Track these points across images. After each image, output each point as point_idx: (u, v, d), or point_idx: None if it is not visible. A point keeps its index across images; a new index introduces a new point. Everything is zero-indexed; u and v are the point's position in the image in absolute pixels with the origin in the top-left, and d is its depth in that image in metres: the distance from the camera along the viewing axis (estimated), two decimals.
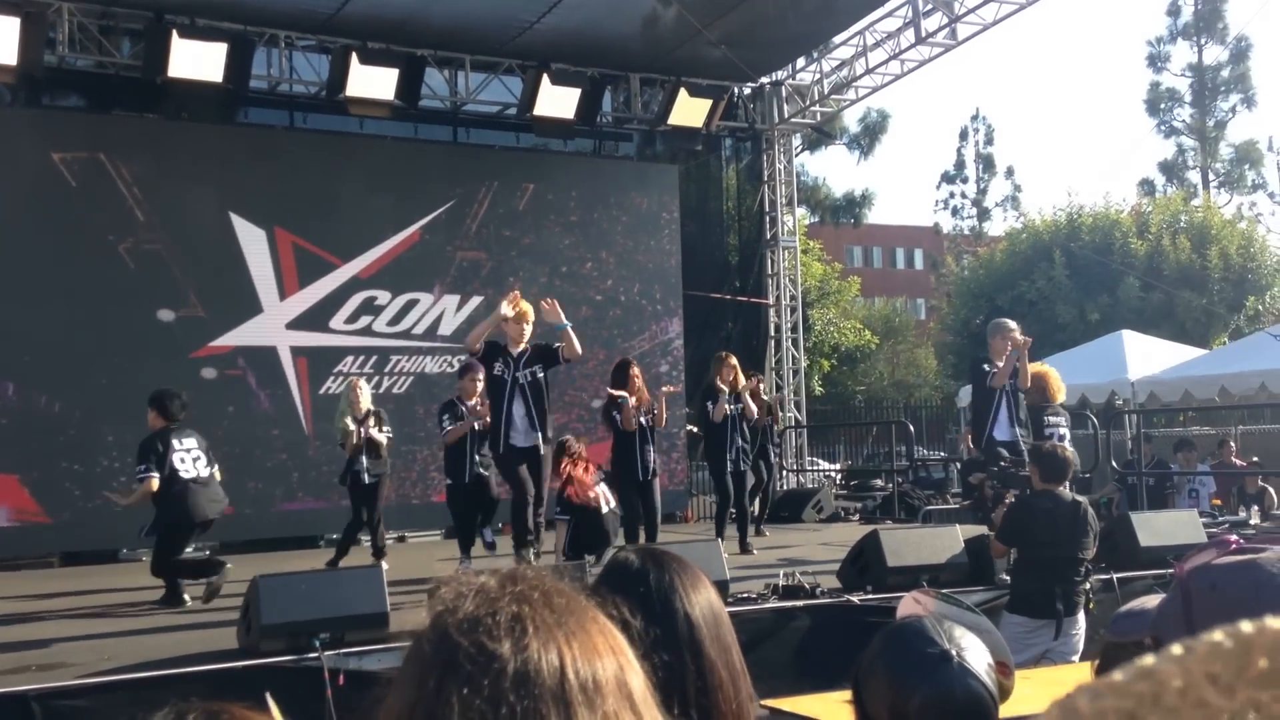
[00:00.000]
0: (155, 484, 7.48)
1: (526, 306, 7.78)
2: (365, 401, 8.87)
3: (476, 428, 8.30)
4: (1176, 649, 0.41)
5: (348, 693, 5.11)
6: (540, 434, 7.68)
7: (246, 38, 11.34)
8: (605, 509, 8.49)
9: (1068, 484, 6.02)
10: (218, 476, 7.97)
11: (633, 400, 8.64)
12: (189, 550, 8.31)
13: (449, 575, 0.88)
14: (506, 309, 7.61)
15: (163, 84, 11.01)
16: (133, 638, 6.32)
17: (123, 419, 10.22)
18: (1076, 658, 5.67)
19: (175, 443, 7.64)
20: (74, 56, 11.31)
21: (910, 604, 2.37)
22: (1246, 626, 0.40)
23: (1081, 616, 5.83)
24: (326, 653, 5.30)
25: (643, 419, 8.71)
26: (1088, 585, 5.90)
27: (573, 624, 0.84)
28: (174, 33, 10.70)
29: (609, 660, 0.84)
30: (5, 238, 10.52)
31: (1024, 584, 5.84)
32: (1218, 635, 0.40)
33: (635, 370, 9.04)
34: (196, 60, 10.86)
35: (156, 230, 11.18)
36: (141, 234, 11.14)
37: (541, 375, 7.75)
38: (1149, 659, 0.41)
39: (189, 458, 7.66)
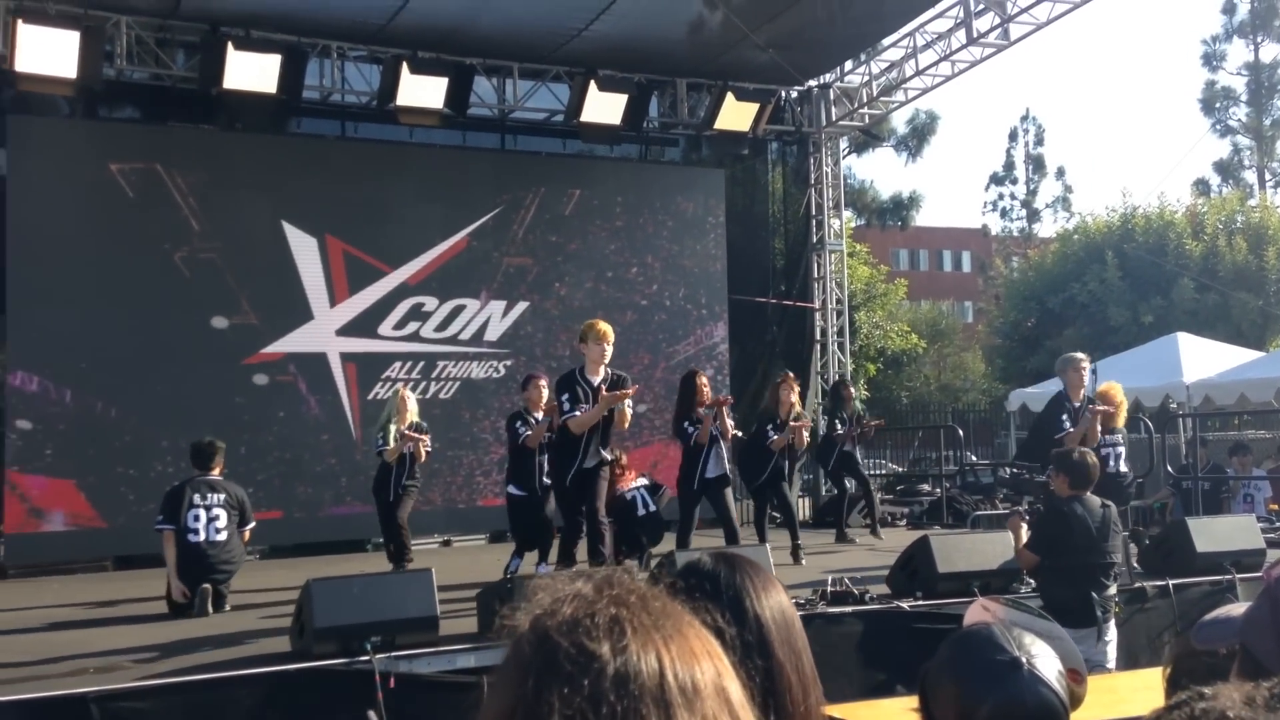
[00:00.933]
0: (170, 540, 7.53)
1: (606, 327, 7.73)
2: (413, 413, 8.78)
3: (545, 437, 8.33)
4: None
5: (399, 695, 5.16)
6: (604, 450, 7.67)
7: (300, 49, 11.50)
8: (641, 512, 8.50)
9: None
10: (243, 537, 7.89)
11: (705, 417, 8.51)
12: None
13: (543, 580, 0.89)
14: (628, 410, 7.50)
15: (218, 95, 11.19)
16: (188, 640, 6.43)
17: (177, 425, 10.41)
18: (1112, 665, 5.60)
19: (196, 497, 7.64)
20: (131, 69, 11.53)
21: (978, 611, 2.35)
22: None
23: (1113, 624, 5.76)
24: (378, 656, 5.36)
25: (713, 429, 8.66)
26: (1114, 591, 5.83)
27: (670, 628, 0.84)
28: (229, 45, 10.88)
29: (706, 664, 0.84)
30: (65, 247, 10.75)
31: (1058, 593, 5.67)
32: None
33: (703, 379, 8.96)
34: (251, 71, 11.03)
35: (211, 239, 11.37)
36: (196, 243, 11.34)
37: None
38: None
39: (205, 517, 7.60)
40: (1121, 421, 8.47)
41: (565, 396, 7.48)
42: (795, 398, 9.77)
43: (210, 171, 11.42)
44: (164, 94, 11.86)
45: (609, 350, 7.64)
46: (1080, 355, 8.31)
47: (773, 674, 1.36)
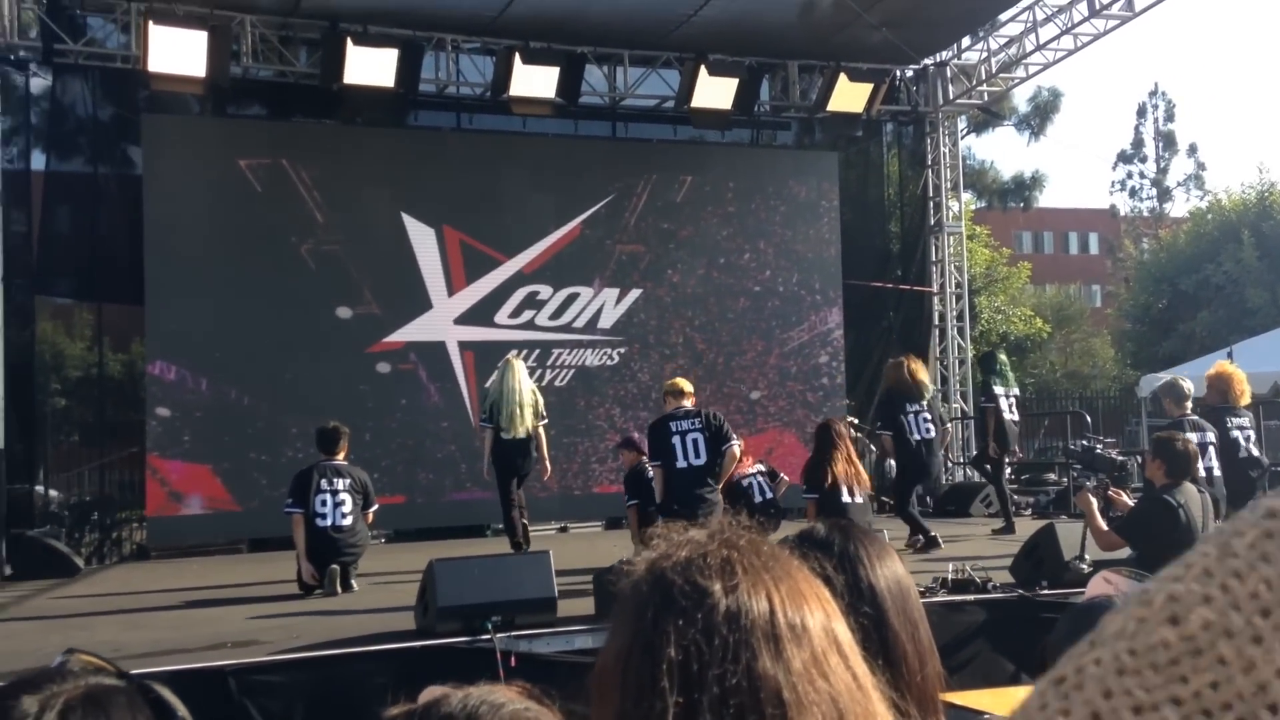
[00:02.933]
0: (299, 524, 7.76)
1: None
2: (524, 388, 8.60)
3: None
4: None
5: (520, 674, 5.23)
6: None
7: (416, 43, 11.74)
8: (758, 499, 8.43)
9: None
10: (367, 519, 8.09)
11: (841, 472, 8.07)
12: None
13: (659, 530, 0.93)
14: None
15: (338, 90, 11.50)
16: (318, 618, 6.65)
17: (305, 412, 10.75)
18: None
19: (323, 482, 7.85)
20: (256, 67, 11.93)
21: (1100, 583, 2.27)
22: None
23: None
24: (499, 635, 5.46)
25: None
26: None
27: (779, 570, 0.88)
28: (348, 40, 11.16)
29: (815, 606, 0.88)
30: (197, 241, 11.20)
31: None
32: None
33: (839, 428, 8.44)
34: (369, 66, 11.30)
35: (334, 231, 11.71)
36: (321, 235, 11.69)
37: None
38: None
39: (331, 501, 7.81)
40: (1246, 400, 8.07)
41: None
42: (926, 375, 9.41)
43: (332, 165, 11.76)
44: (287, 90, 12.25)
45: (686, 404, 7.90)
46: (1186, 386, 7.91)
47: (888, 643, 1.34)
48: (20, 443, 10.93)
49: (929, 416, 9.05)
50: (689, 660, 0.82)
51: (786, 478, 9.06)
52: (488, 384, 8.93)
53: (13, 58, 11.11)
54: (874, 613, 1.34)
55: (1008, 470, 10.65)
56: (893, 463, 9.78)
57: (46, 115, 11.52)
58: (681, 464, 7.53)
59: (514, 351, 9.08)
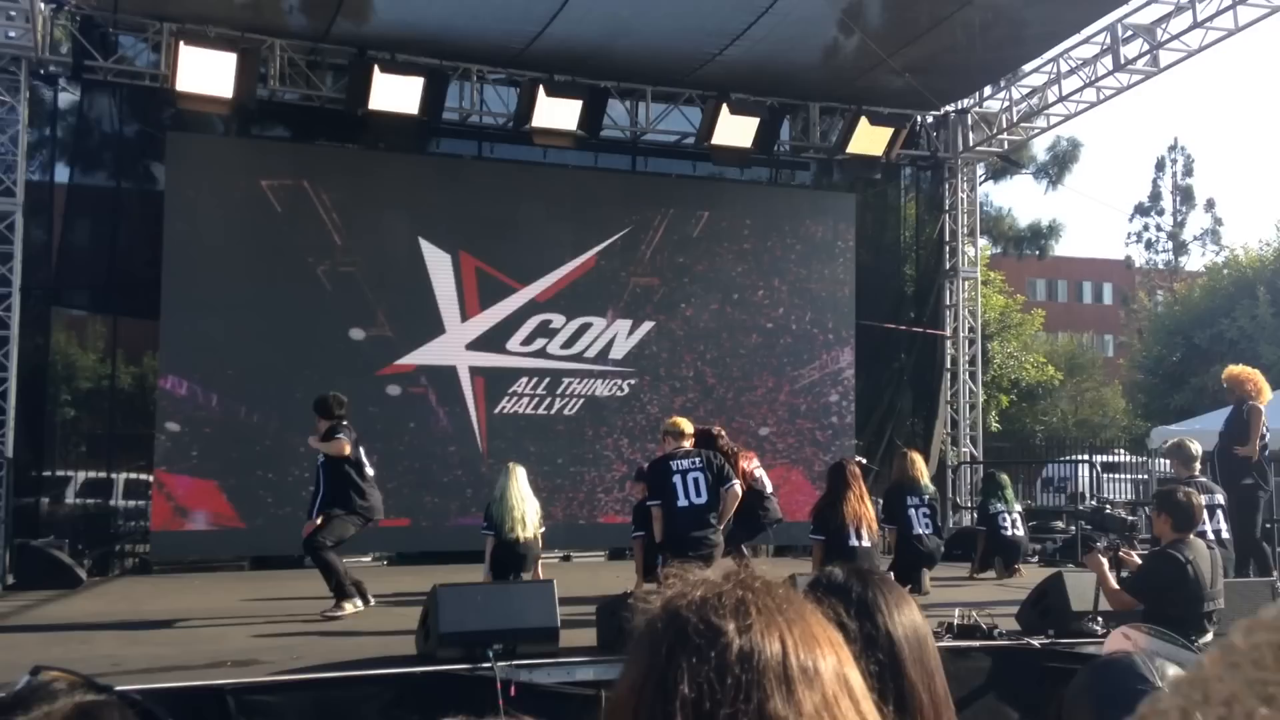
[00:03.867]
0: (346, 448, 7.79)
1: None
2: (524, 497, 8.39)
3: None
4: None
5: (520, 704, 5.21)
6: None
7: (442, 72, 11.85)
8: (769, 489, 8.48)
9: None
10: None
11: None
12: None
13: (675, 570, 0.95)
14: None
15: (363, 115, 11.60)
16: (319, 639, 6.62)
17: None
18: None
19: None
20: (283, 90, 12.04)
21: (1119, 639, 2.25)
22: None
23: None
24: (500, 663, 5.43)
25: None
26: (1211, 639, 5.51)
27: (793, 613, 0.89)
28: (375, 67, 11.27)
29: (828, 650, 0.88)
30: (215, 258, 11.26)
31: None
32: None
33: (853, 469, 8.48)
34: (395, 93, 11.39)
35: (351, 253, 11.78)
36: (338, 256, 11.75)
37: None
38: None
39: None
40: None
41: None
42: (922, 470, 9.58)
43: (353, 189, 11.84)
44: (312, 114, 12.35)
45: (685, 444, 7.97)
46: (1194, 449, 7.95)
47: (904, 692, 1.32)
48: (28, 452, 10.96)
49: (928, 511, 9.17)
50: (701, 698, 0.82)
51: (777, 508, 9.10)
52: (494, 491, 8.70)
53: (43, 72, 11.25)
54: (890, 661, 1.33)
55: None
56: None
57: (72, 129, 11.65)
58: (683, 502, 7.51)
59: (512, 460, 9.00)
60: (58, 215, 11.38)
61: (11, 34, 10.82)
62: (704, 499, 7.52)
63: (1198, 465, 7.97)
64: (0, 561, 10.09)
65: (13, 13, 10.72)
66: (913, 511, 9.10)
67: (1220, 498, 7.70)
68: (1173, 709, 0.46)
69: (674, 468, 7.62)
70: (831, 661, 0.87)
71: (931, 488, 9.91)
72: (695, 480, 7.58)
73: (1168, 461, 8.78)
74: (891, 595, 1.43)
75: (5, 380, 10.61)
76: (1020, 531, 10.62)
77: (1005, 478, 11.33)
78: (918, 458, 9.77)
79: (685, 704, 0.82)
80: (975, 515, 11.94)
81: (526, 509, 8.28)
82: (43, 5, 10.70)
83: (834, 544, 7.91)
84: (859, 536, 7.97)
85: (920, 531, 9.03)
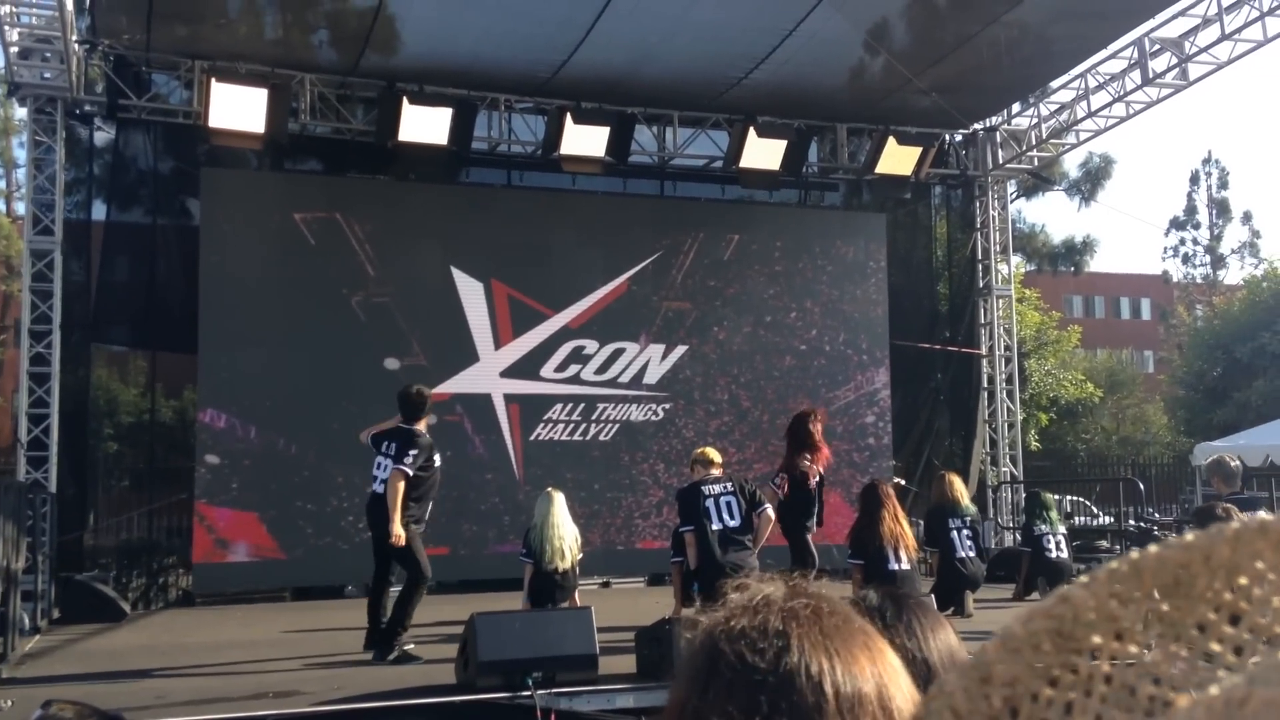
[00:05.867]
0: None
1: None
2: (562, 524, 8.30)
3: None
4: (1083, 578, 0.49)
5: None
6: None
7: (470, 102, 11.96)
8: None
9: None
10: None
11: None
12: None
13: (742, 580, 0.95)
14: None
15: (393, 147, 11.72)
16: (360, 670, 6.63)
17: (352, 462, 10.80)
18: None
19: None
20: (314, 123, 12.19)
21: None
22: (1134, 554, 0.48)
23: None
24: (539, 691, 5.41)
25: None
26: None
27: (838, 642, 0.87)
28: (404, 99, 11.40)
29: (870, 680, 0.86)
30: (251, 292, 11.39)
31: None
32: (1114, 563, 0.48)
33: (886, 489, 8.54)
34: (424, 124, 11.51)
35: (385, 284, 11.87)
36: (372, 287, 11.84)
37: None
38: (1064, 589, 0.49)
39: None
40: None
41: None
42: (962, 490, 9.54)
43: (385, 220, 11.95)
44: (344, 146, 12.50)
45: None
46: (1232, 463, 7.87)
47: None
48: (72, 487, 11.09)
49: (970, 534, 9.11)
50: None
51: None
52: (534, 519, 8.68)
53: (78, 111, 11.46)
54: (925, 686, 1.31)
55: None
56: None
57: (108, 167, 11.84)
58: (716, 525, 7.47)
59: (551, 485, 8.92)
60: (95, 252, 11.55)
61: (47, 75, 11.05)
62: (737, 521, 7.49)
63: (1239, 481, 7.86)
64: (46, 596, 10.19)
65: (48, 54, 10.95)
66: (955, 534, 9.00)
67: (1265, 513, 7.63)
68: (957, 689, 0.49)
69: (705, 492, 7.59)
70: (873, 688, 0.86)
71: (973, 509, 9.80)
72: (728, 504, 7.55)
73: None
74: (927, 619, 1.41)
75: (48, 416, 10.76)
76: (1065, 554, 10.44)
77: (1050, 498, 11.15)
78: (956, 479, 9.69)
79: None
80: (1018, 536, 11.77)
81: (566, 536, 8.23)
82: (77, 46, 10.91)
83: (873, 567, 7.82)
84: (898, 559, 7.89)
85: (963, 554, 8.94)
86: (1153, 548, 0.48)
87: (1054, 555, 10.21)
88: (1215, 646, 0.46)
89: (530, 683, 5.44)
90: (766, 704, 0.82)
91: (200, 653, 7.49)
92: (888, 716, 0.85)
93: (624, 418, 12.62)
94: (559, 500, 8.37)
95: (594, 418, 12.50)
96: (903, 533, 8.00)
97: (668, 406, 12.78)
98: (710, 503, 7.53)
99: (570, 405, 12.43)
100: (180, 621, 9.80)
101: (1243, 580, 0.45)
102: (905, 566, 7.90)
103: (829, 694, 0.83)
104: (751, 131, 12.52)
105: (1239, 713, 0.39)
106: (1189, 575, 0.46)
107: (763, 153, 12.67)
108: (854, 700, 0.84)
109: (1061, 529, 10.59)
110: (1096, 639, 0.48)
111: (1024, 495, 13.28)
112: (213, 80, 10.80)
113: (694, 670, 0.88)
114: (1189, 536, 0.47)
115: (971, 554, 9.01)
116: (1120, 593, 0.48)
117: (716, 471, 7.88)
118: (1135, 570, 0.48)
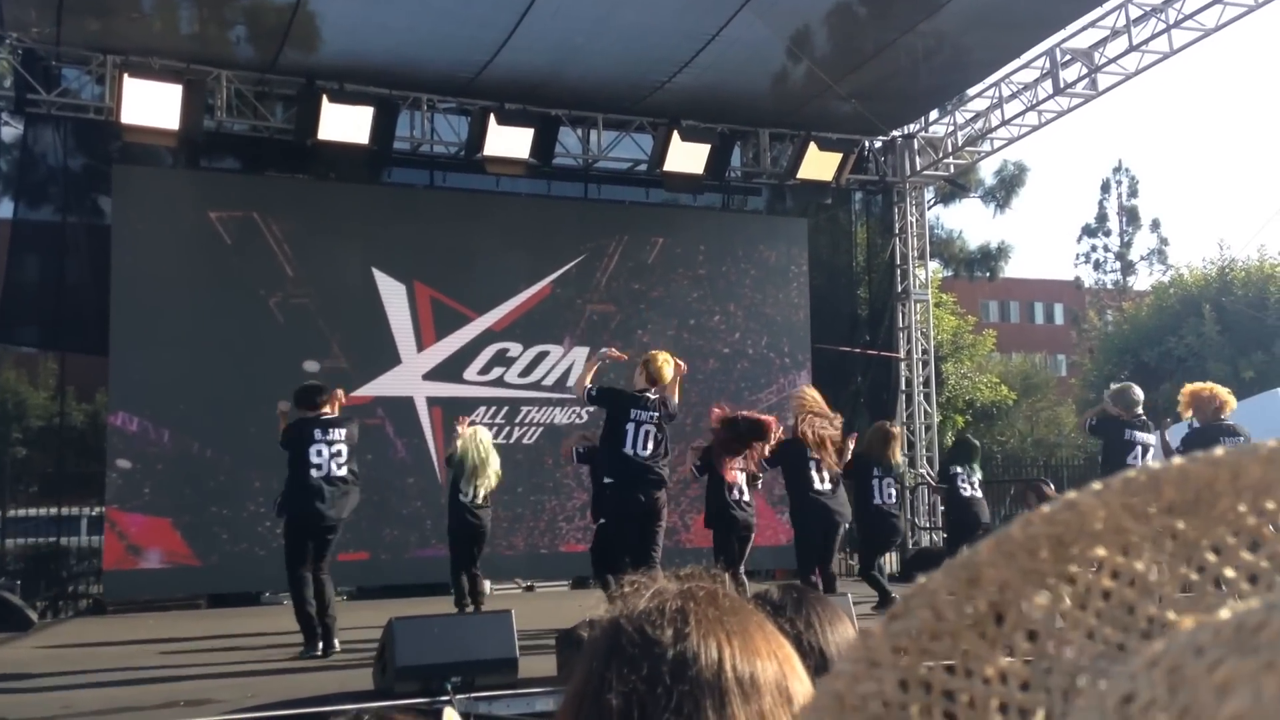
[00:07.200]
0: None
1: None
2: (486, 446, 8.68)
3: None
4: (1096, 485, 0.45)
5: None
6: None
7: (392, 102, 11.84)
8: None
9: None
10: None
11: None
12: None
13: (638, 578, 0.95)
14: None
15: (313, 146, 11.56)
16: (275, 677, 6.52)
17: (268, 466, 10.61)
18: None
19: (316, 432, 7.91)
20: (231, 121, 11.97)
21: None
22: (1155, 464, 0.45)
23: None
24: (458, 696, 5.37)
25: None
26: None
27: (735, 623, 0.89)
28: (324, 98, 11.25)
29: (769, 662, 0.88)
30: (165, 292, 11.13)
31: None
32: (1132, 472, 0.45)
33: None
34: (344, 123, 11.37)
35: (304, 285, 11.69)
36: (290, 288, 11.66)
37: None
38: (1073, 494, 0.46)
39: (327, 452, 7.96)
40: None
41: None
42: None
43: (304, 220, 11.77)
44: (261, 145, 12.29)
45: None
46: (1137, 394, 8.54)
47: None
48: None
49: (892, 482, 9.23)
50: (630, 708, 0.82)
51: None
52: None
53: None
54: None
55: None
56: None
57: (16, 164, 11.50)
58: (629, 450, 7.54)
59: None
60: (3, 251, 11.21)
61: None
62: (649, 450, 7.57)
63: (1139, 409, 8.35)
64: None
65: None
66: (876, 481, 9.20)
67: (1153, 439, 8.21)
68: (941, 589, 0.46)
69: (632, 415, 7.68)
70: (772, 673, 0.86)
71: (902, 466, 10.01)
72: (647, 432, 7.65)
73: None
74: (825, 612, 1.46)
75: None
76: (979, 493, 10.49)
77: (977, 446, 11.26)
78: (897, 437, 9.85)
79: (616, 714, 0.82)
80: (934, 479, 11.94)
81: (491, 462, 8.49)
82: None
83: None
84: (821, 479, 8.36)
85: (880, 502, 9.20)
86: (1177, 459, 0.44)
87: (968, 493, 10.31)
88: (1229, 572, 0.42)
89: (449, 687, 5.41)
90: (669, 675, 0.83)
91: (110, 661, 7.30)
92: (785, 699, 0.86)
93: (548, 421, 12.59)
94: (486, 433, 8.66)
95: (518, 420, 12.46)
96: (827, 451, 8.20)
97: (591, 410, 12.75)
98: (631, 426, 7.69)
99: (494, 408, 12.37)
100: (90, 630, 9.54)
101: (1270, 504, 0.42)
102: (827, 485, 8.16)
103: (728, 669, 0.85)
104: (675, 135, 12.59)
105: (1253, 638, 0.36)
106: (1212, 493, 0.43)
107: (686, 157, 12.75)
108: (752, 682, 0.85)
109: (978, 474, 10.71)
110: (1100, 551, 0.44)
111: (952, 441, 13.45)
112: (125, 75, 10.55)
113: (596, 649, 0.88)
114: (1219, 451, 0.43)
115: (892, 502, 9.27)
116: (1134, 505, 0.44)
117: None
118: (1154, 482, 0.44)
